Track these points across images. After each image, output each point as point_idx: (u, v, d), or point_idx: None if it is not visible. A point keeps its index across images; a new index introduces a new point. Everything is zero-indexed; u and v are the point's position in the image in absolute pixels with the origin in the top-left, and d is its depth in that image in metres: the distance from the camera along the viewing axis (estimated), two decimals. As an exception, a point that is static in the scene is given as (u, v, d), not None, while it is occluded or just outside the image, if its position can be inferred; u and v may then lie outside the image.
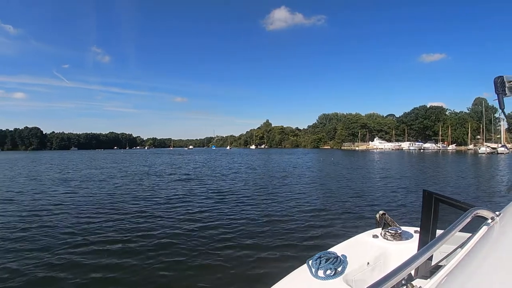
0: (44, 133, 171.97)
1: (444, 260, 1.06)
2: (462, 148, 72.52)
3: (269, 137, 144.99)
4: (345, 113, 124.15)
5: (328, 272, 1.76)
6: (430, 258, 1.13)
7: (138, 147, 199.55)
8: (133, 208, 8.68)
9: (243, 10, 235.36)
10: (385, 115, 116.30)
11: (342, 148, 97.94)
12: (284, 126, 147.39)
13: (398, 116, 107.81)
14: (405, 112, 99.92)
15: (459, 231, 0.98)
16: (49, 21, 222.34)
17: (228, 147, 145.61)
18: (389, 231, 2.28)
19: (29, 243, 5.66)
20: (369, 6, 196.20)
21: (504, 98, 1.21)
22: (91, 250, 5.22)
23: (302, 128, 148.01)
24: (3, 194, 11.83)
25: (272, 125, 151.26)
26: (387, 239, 2.24)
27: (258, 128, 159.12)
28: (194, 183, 14.74)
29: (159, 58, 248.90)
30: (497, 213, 1.08)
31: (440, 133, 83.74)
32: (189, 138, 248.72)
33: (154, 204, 9.44)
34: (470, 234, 1.06)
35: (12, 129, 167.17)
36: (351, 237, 2.41)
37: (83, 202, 9.92)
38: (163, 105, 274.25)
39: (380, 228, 2.40)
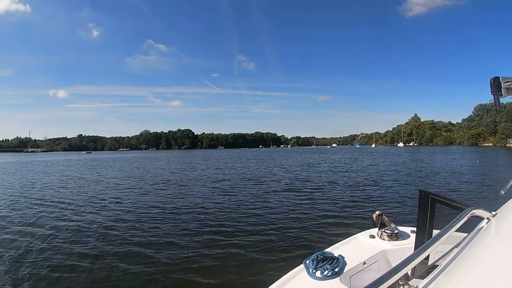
0: (195, 134, 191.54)
1: (441, 260, 1.07)
2: None
3: (418, 133, 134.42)
4: (505, 102, 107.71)
5: (325, 272, 1.75)
6: (427, 258, 1.14)
7: (282, 145, 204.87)
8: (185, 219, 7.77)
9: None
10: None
11: (507, 145, 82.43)
12: (435, 121, 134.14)
13: None
14: None
15: (455, 231, 0.99)
16: (196, 38, 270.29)
17: (373, 145, 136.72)
18: (386, 231, 2.29)
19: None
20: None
21: (500, 99, 1.19)
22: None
23: (455, 122, 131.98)
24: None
25: (421, 120, 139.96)
26: (383, 239, 2.26)
27: (406, 123, 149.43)
28: (291, 193, 11.67)
29: (299, 53, 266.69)
30: (493, 213, 1.11)
31: None
32: (332, 136, 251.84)
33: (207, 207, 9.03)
34: (466, 234, 1.07)
35: (167, 131, 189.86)
36: (348, 237, 2.41)
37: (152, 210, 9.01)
38: (306, 105, 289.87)
39: (377, 228, 2.41)
